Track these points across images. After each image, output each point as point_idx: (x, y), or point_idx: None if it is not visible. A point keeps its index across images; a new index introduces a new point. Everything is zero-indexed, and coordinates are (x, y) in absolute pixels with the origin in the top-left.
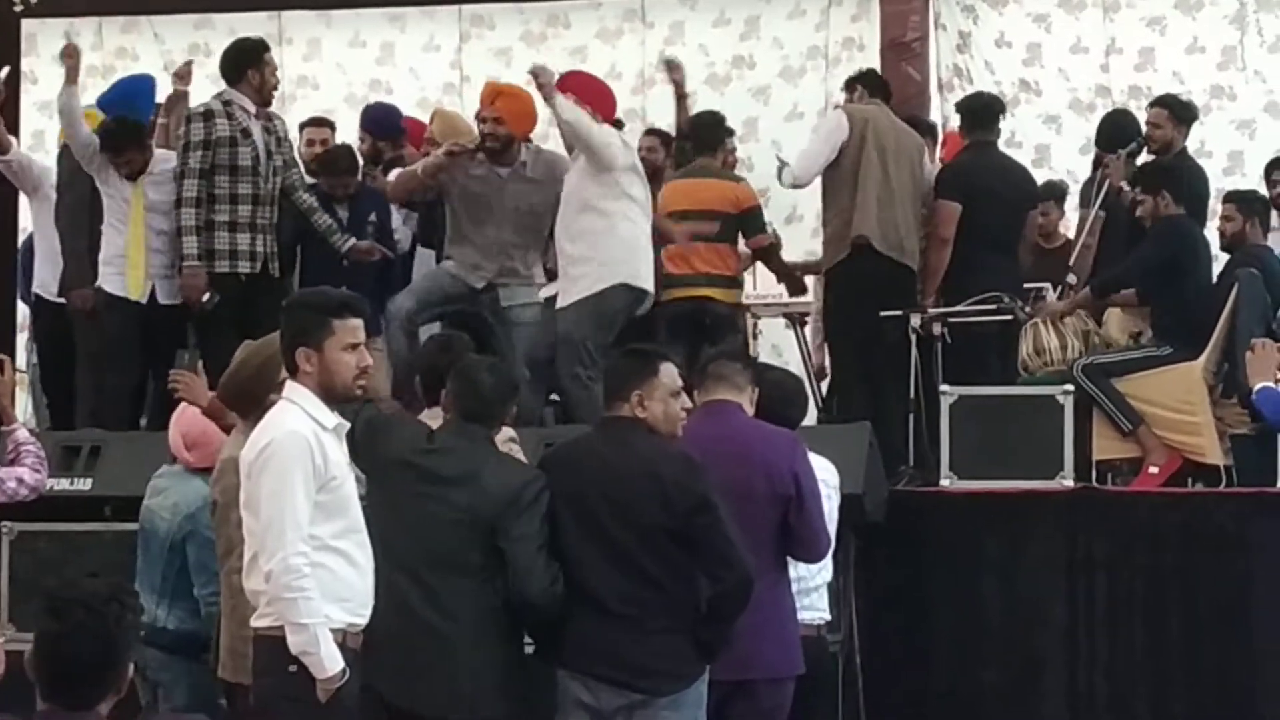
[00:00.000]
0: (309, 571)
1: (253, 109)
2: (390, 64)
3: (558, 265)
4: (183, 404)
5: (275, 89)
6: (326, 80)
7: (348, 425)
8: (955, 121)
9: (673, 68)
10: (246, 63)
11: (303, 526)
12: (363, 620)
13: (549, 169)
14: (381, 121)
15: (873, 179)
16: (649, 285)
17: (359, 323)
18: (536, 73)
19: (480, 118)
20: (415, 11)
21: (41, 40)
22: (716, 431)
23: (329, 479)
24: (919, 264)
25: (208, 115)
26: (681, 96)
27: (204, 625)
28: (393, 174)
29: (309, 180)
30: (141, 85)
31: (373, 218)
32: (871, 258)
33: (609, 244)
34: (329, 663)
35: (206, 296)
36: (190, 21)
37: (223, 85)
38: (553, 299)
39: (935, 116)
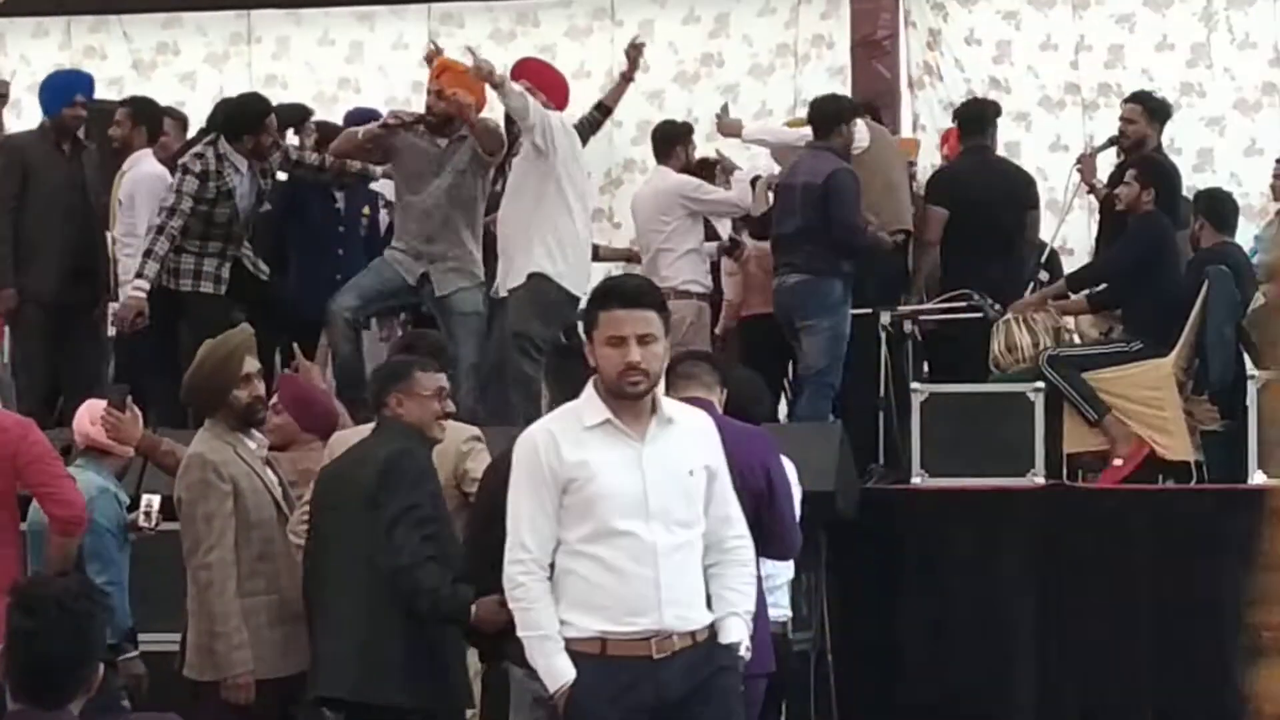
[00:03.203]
0: (524, 581)
1: (244, 166)
2: (359, 62)
3: (498, 256)
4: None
5: (272, 147)
6: (295, 79)
7: (644, 432)
8: (924, 119)
9: (634, 49)
10: (244, 128)
11: (522, 533)
12: (629, 629)
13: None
14: (364, 122)
15: (903, 184)
16: (578, 289)
17: (624, 314)
18: (478, 66)
19: (428, 90)
20: (384, 10)
21: (10, 39)
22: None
23: (568, 480)
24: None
25: (203, 176)
26: (626, 79)
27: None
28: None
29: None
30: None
31: (365, 210)
32: (900, 254)
33: (543, 236)
34: (547, 678)
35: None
36: (159, 20)
37: (190, 83)
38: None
39: (905, 114)
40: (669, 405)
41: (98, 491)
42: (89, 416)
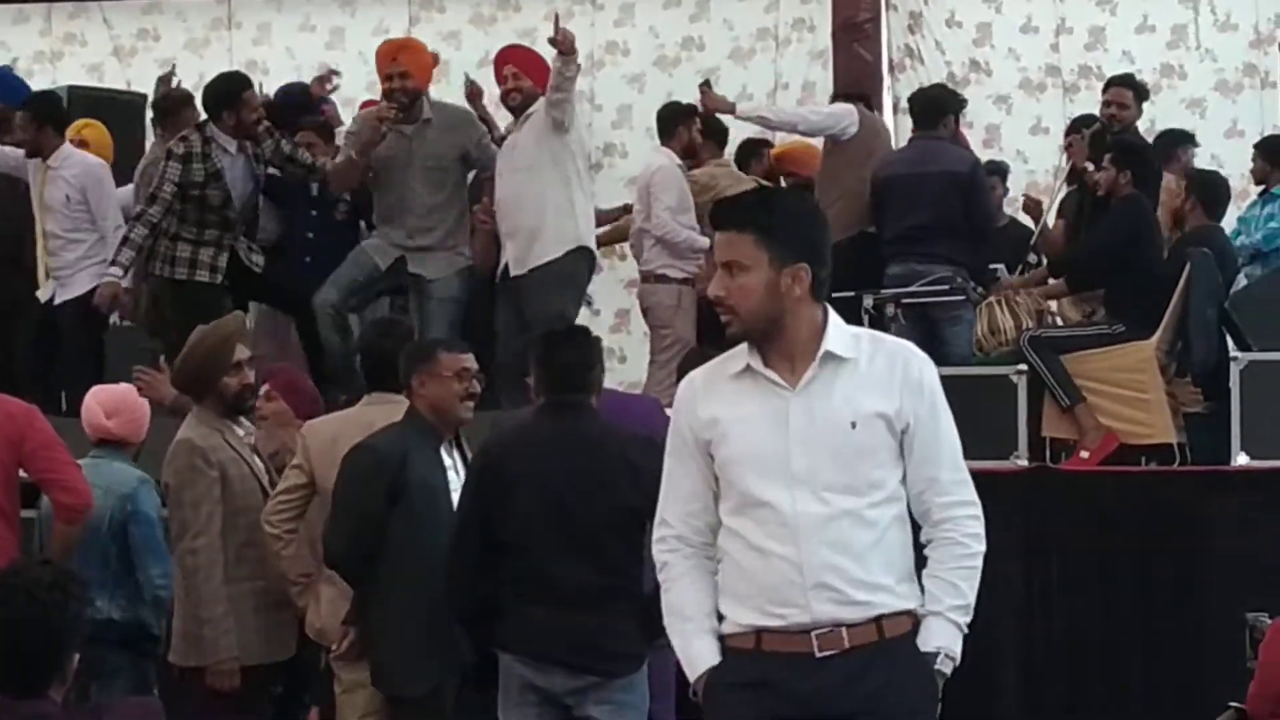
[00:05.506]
0: (666, 559)
1: (233, 145)
2: (340, 48)
3: (504, 236)
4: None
5: (256, 124)
6: (276, 65)
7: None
8: (905, 103)
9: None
10: (223, 103)
11: (664, 506)
12: (779, 621)
13: (453, 118)
14: (299, 99)
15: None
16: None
17: (717, 237)
18: (562, 35)
19: (386, 75)
20: None
21: None
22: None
23: (705, 441)
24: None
25: (186, 159)
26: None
27: (152, 610)
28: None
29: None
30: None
31: (346, 195)
32: (873, 241)
33: (563, 209)
34: (685, 665)
35: (115, 318)
36: (139, 6)
37: (169, 67)
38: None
39: (886, 97)
40: (846, 339)
41: (139, 482)
42: (103, 410)
